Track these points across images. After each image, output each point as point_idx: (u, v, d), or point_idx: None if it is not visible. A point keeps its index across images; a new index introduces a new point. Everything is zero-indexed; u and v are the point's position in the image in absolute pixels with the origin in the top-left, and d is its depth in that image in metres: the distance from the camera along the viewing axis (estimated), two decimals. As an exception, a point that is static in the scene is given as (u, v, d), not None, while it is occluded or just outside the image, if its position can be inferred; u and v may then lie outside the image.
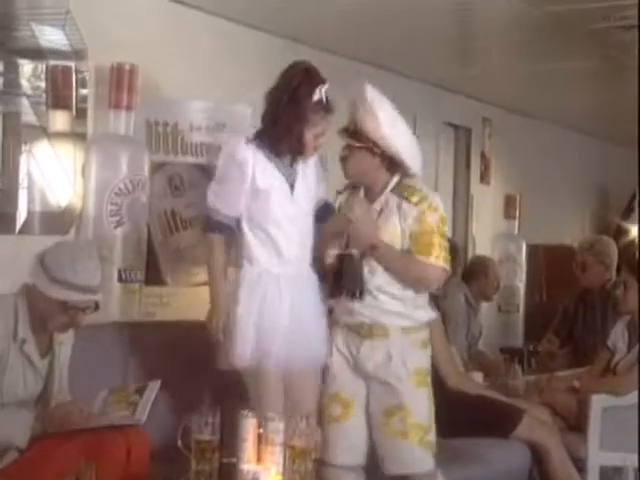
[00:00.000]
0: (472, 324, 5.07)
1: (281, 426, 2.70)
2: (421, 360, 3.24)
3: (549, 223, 7.92)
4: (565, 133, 8.24)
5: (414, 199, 3.18)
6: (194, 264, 3.92)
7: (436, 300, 3.77)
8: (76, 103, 3.78)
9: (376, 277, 3.18)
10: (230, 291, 3.15)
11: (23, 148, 3.60)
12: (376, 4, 4.36)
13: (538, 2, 4.33)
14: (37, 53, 3.65)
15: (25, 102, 3.62)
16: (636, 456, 3.79)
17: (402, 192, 3.20)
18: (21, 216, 3.64)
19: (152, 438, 3.01)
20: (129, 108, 3.80)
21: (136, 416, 2.97)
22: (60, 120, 3.74)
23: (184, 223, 4.05)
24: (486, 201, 7.13)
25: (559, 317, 5.53)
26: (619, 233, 8.67)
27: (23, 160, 3.60)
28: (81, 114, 3.81)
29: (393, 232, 3.18)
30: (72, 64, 3.74)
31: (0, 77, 3.54)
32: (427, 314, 3.30)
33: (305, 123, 3.11)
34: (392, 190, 3.22)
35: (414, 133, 3.31)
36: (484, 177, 7.03)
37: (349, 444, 3.22)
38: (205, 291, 3.28)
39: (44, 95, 3.67)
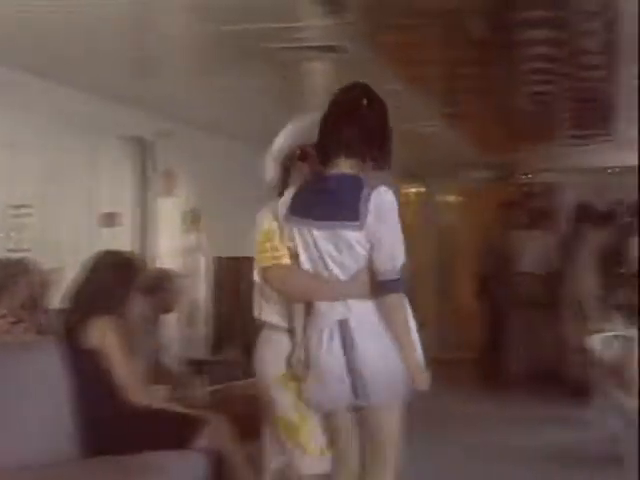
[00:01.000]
0: (153, 337, 5.04)
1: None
2: None
3: (234, 236, 8.07)
4: (248, 148, 8.47)
5: None
6: None
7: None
8: None
9: None
10: None
11: None
12: (52, 18, 4.24)
13: (215, 20, 4.42)
14: None
15: None
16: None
17: None
18: None
19: None
20: None
21: None
22: None
23: None
24: (170, 215, 7.14)
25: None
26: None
27: None
28: None
29: None
30: None
31: None
32: None
33: None
34: None
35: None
36: (167, 190, 7.05)
37: None
38: None
39: None
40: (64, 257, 5.41)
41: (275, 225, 3.16)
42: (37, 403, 3.82)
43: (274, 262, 3.14)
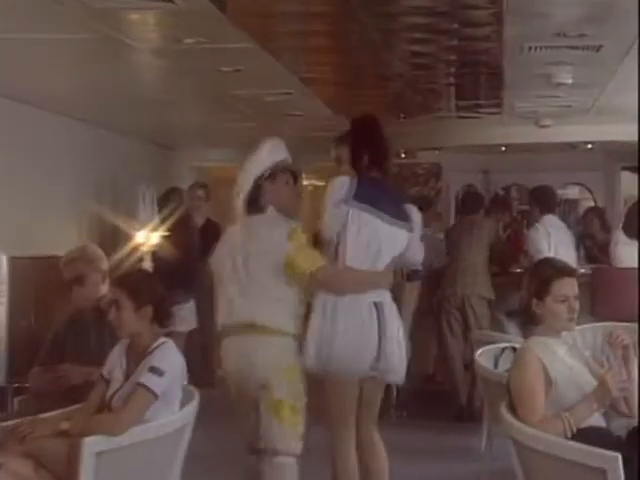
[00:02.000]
0: None
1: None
2: None
3: (37, 230, 7.93)
4: (56, 120, 8.32)
5: None
6: None
7: None
8: None
9: None
10: None
11: None
12: None
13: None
14: None
15: None
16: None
17: None
18: None
19: None
20: None
21: None
22: None
23: None
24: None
25: (48, 345, 5.52)
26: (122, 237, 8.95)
27: None
28: None
29: None
30: None
31: None
32: None
33: None
34: None
35: None
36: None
37: None
38: None
39: None
40: None
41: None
42: None
43: (324, 262, 4.73)
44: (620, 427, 4.43)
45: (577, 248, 8.76)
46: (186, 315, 8.76)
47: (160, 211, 8.82)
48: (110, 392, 4.56)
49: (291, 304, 4.77)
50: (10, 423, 4.56)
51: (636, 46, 5.94)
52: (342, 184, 4.75)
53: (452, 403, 8.46)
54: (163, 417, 4.46)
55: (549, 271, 4.55)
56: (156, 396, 4.38)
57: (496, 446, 6.14)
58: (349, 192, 4.71)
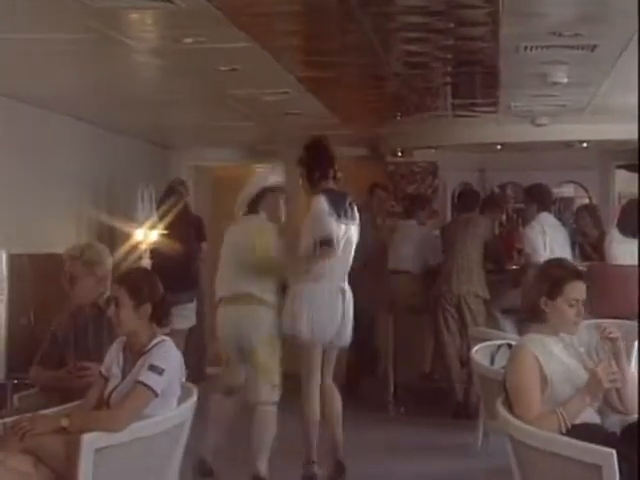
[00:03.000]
0: None
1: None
2: None
3: (38, 227, 7.92)
4: (55, 119, 8.32)
5: None
6: None
7: None
8: None
9: None
10: None
11: None
12: None
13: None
14: None
15: None
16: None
17: None
18: None
19: None
20: None
21: None
22: None
23: None
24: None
25: (47, 342, 5.52)
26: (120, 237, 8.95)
27: None
28: None
29: None
30: None
31: None
32: None
33: None
34: None
35: None
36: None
37: None
38: None
39: None
40: None
41: None
42: None
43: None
44: (615, 424, 4.44)
45: (572, 246, 8.75)
46: (189, 314, 8.79)
47: (162, 204, 8.84)
48: (108, 389, 4.57)
49: (271, 282, 6.24)
50: (10, 420, 4.56)
51: (631, 45, 5.94)
52: (323, 200, 6.13)
53: (449, 400, 8.47)
54: (161, 414, 4.46)
55: (562, 272, 4.54)
56: (156, 394, 4.38)
57: (492, 443, 6.15)
58: (331, 209, 6.14)
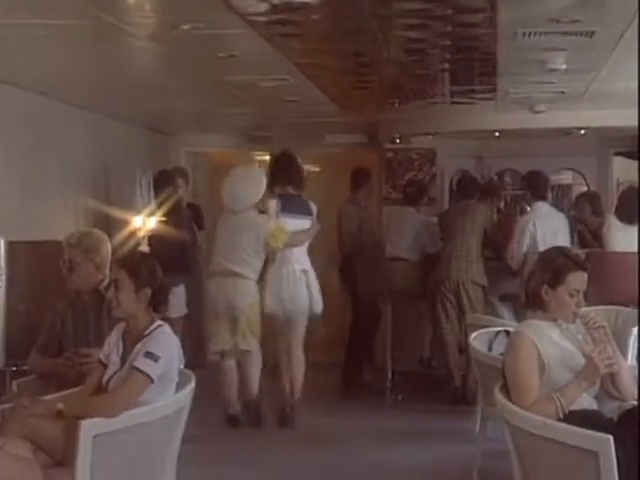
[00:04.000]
0: None
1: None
2: None
3: (35, 214, 7.92)
4: (51, 105, 8.30)
5: None
6: None
7: None
8: None
9: None
10: None
11: None
12: None
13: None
14: None
15: None
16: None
17: None
18: None
19: None
20: None
21: None
22: None
23: None
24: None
25: (46, 329, 5.53)
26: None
27: None
28: None
29: None
30: None
31: None
32: None
33: None
34: None
35: None
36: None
37: None
38: None
39: None
40: None
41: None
42: None
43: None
44: (612, 410, 4.45)
45: (571, 233, 8.75)
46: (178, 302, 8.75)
47: (158, 191, 8.83)
48: (107, 375, 4.58)
49: (254, 262, 7.79)
50: (8, 406, 4.57)
51: (629, 32, 5.93)
52: (274, 204, 7.88)
53: (447, 387, 8.48)
54: (159, 400, 4.47)
55: (565, 262, 4.54)
56: (152, 380, 4.39)
57: (490, 429, 6.16)
58: (279, 207, 7.88)
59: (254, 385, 7.91)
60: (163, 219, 8.58)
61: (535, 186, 8.71)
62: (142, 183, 8.91)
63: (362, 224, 9.38)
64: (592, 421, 4.18)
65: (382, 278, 9.05)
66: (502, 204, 11.04)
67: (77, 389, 4.76)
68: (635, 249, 7.65)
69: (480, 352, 6.10)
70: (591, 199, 9.41)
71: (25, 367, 5.62)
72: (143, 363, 4.38)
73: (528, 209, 8.63)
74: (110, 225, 8.68)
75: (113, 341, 4.68)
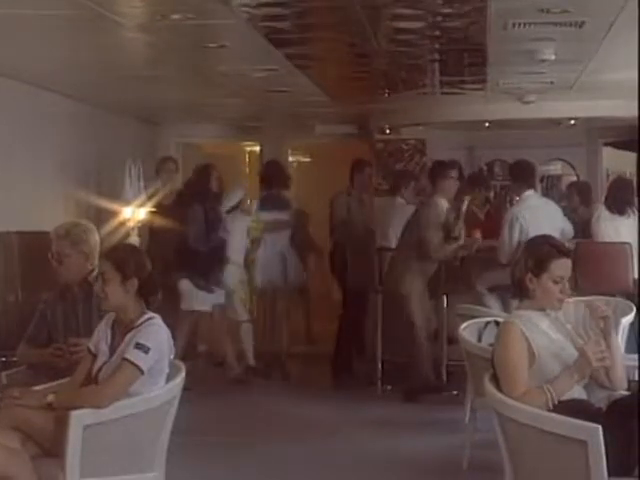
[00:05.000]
0: None
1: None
2: None
3: (25, 205, 7.90)
4: (41, 95, 8.28)
5: None
6: None
7: None
8: None
9: None
10: None
11: None
12: None
13: None
14: None
15: None
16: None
17: None
18: None
19: None
20: None
21: None
22: None
23: None
24: None
25: (35, 319, 5.52)
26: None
27: None
28: None
29: None
30: None
31: None
32: None
33: None
34: None
35: None
36: None
37: None
38: None
39: None
40: None
41: None
42: None
43: None
44: (601, 399, 4.45)
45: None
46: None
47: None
48: (97, 366, 4.57)
49: (243, 248, 9.13)
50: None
51: (618, 22, 5.94)
52: (257, 202, 9.21)
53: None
54: (150, 391, 4.46)
55: (548, 249, 4.54)
56: (142, 371, 4.38)
57: (480, 418, 6.17)
58: (260, 205, 9.25)
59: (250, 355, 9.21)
60: (154, 210, 8.57)
61: (520, 176, 8.61)
62: (132, 174, 8.90)
63: (353, 214, 9.38)
64: (581, 410, 4.18)
65: (372, 268, 9.05)
66: (492, 194, 11.03)
67: (67, 380, 4.74)
68: (624, 239, 7.65)
69: (469, 342, 6.10)
70: (580, 189, 9.41)
71: (14, 358, 5.61)
72: (133, 354, 4.38)
73: (517, 199, 8.61)
74: (100, 216, 8.68)
75: (102, 330, 4.66)
